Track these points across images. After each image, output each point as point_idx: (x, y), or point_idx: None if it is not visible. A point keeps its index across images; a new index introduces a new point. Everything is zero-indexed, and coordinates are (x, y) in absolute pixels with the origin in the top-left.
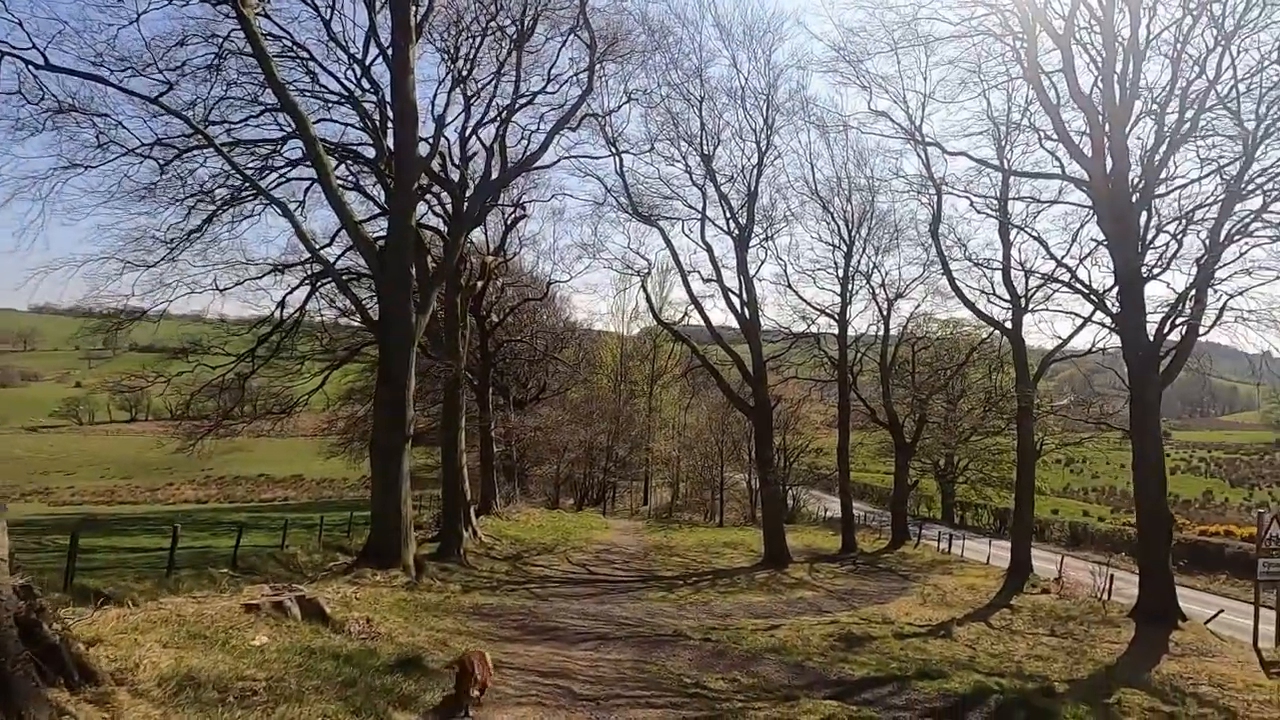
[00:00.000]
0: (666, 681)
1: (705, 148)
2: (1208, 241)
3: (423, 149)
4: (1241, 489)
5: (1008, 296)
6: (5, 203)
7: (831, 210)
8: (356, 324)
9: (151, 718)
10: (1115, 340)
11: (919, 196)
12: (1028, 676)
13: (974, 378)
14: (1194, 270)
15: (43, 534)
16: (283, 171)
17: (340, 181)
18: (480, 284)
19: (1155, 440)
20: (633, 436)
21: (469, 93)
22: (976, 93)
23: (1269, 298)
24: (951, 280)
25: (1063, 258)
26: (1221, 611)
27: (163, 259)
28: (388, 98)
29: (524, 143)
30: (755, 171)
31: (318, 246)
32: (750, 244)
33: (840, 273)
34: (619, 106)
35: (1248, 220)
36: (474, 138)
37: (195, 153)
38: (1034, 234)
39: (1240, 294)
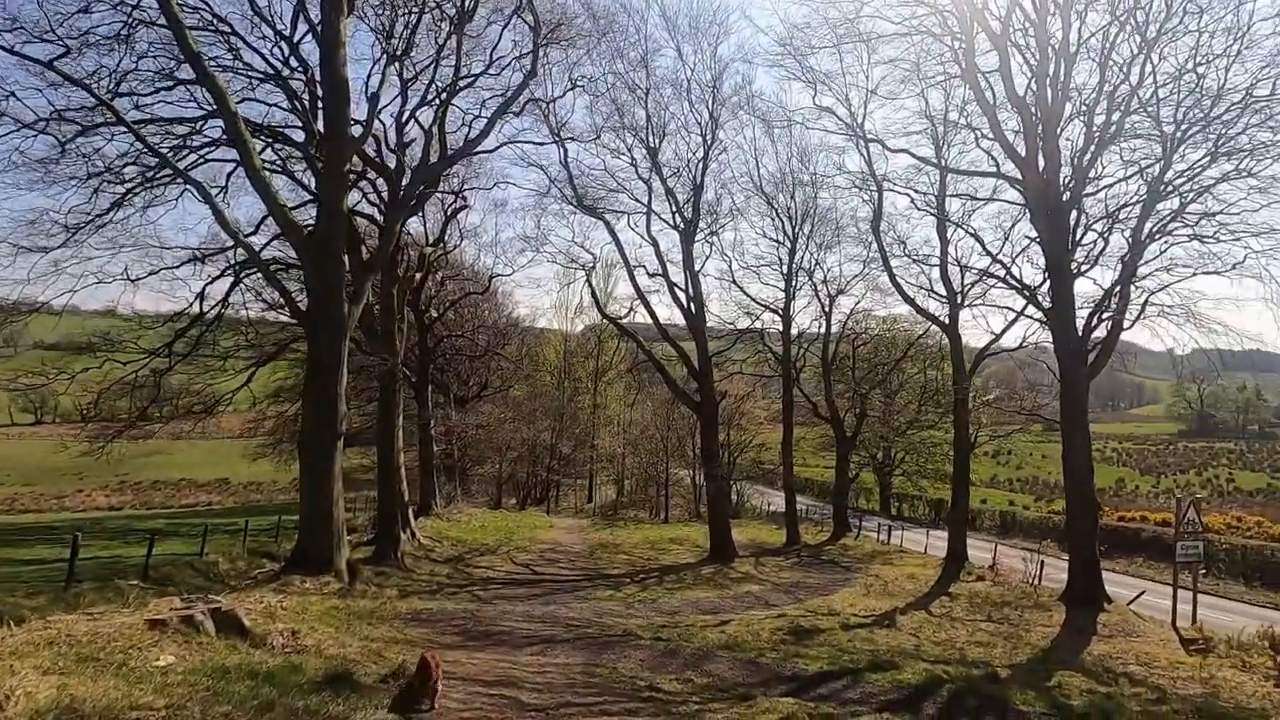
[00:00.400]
0: (619, 686)
1: (651, 140)
2: (1131, 240)
3: (356, 131)
4: (1150, 477)
5: (945, 292)
6: None
7: (776, 206)
8: (285, 318)
9: None
10: (1045, 335)
11: (861, 193)
12: (971, 663)
13: (910, 372)
14: (1119, 267)
15: None
16: (202, 152)
17: (267, 165)
18: (419, 276)
19: (1084, 431)
20: (577, 434)
21: (406, 75)
22: (916, 91)
23: (1187, 294)
24: (892, 276)
25: (997, 254)
26: (1143, 593)
27: (63, 244)
28: (317, 77)
29: (465, 129)
30: (701, 165)
31: (243, 234)
32: (696, 239)
33: (784, 269)
34: (564, 93)
35: (1167, 220)
36: (412, 122)
37: (102, 129)
38: (971, 231)
39: (1161, 290)
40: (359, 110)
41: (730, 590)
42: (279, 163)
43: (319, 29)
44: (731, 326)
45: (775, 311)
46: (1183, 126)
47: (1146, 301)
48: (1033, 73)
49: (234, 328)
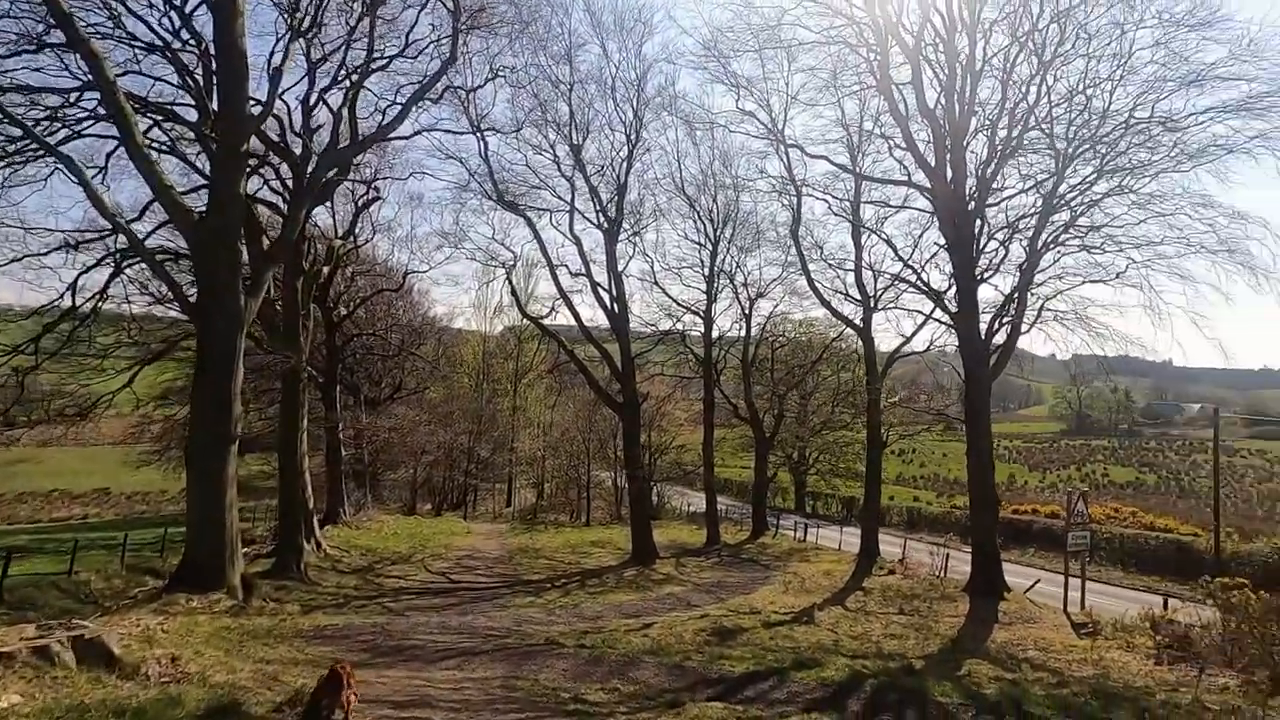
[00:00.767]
0: (541, 699)
1: (575, 137)
2: (1028, 249)
3: (256, 110)
4: (1037, 472)
5: (859, 296)
6: None
7: (698, 208)
8: (175, 313)
9: None
10: (952, 338)
11: (781, 198)
12: (888, 656)
13: (825, 374)
14: (1018, 275)
15: None
16: (77, 127)
17: (155, 145)
18: (327, 270)
19: (986, 430)
20: (495, 437)
21: (315, 56)
22: (834, 100)
23: (1078, 299)
24: (810, 280)
25: (909, 260)
26: (1039, 581)
27: None
28: (212, 50)
29: (379, 115)
30: (625, 165)
31: (125, 220)
32: (619, 239)
33: (705, 271)
34: (484, 83)
35: (1059, 232)
36: (320, 105)
37: None
38: (884, 237)
39: (1055, 296)
40: (260, 90)
41: (653, 592)
42: (169, 143)
43: None
44: (653, 328)
45: (697, 313)
46: (1074, 144)
47: (1042, 307)
48: (942, 87)
49: (114, 323)
